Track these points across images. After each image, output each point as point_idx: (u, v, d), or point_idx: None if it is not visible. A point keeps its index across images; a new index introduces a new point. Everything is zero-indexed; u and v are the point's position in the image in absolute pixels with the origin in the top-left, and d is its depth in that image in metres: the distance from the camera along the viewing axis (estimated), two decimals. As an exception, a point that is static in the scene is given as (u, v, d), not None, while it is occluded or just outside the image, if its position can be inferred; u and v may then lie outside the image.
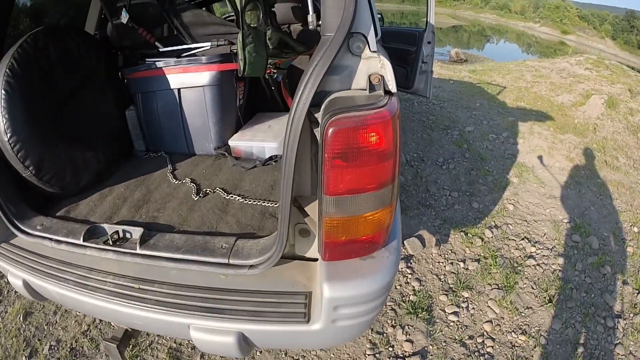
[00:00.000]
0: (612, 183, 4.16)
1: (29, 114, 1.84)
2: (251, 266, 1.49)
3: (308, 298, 1.40)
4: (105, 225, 1.78)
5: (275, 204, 1.85)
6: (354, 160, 1.05)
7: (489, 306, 2.73)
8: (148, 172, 2.31)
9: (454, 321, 2.62)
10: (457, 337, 2.53)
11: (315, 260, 1.55)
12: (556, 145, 4.59)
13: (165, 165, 2.36)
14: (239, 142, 2.41)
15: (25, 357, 2.70)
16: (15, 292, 3.25)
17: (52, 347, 2.72)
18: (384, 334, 2.50)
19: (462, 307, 2.71)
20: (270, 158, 2.29)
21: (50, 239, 1.78)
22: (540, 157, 4.37)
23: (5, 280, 3.39)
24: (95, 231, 1.78)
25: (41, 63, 1.98)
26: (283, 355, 2.42)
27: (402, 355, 2.40)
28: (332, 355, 2.39)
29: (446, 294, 2.77)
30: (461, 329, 2.59)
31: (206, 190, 2.06)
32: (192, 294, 1.50)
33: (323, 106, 1.15)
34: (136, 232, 1.70)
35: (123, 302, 1.53)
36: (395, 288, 2.82)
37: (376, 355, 2.39)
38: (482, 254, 3.10)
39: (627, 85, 6.11)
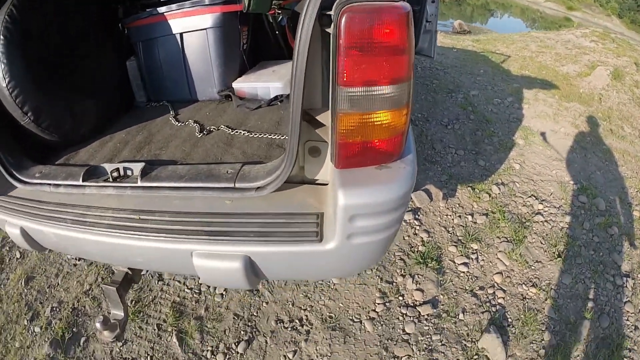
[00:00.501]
0: (618, 151, 4.11)
1: (27, 61, 1.76)
2: (258, 188, 1.39)
3: (320, 218, 1.29)
4: (105, 165, 1.68)
5: (283, 136, 1.74)
6: (368, 50, 1.00)
7: (498, 258, 2.67)
8: (150, 119, 2.22)
9: (464, 272, 2.56)
10: (467, 288, 2.48)
11: (326, 184, 1.45)
12: (561, 112, 4.52)
13: (168, 112, 2.28)
14: (243, 84, 2.31)
15: (27, 320, 2.63)
16: (17, 258, 3.17)
17: (54, 308, 2.64)
18: (394, 283, 2.43)
19: (472, 259, 2.65)
20: (276, 98, 2.18)
21: (49, 184, 1.68)
22: (545, 122, 4.30)
23: (7, 248, 3.36)
24: (94, 171, 1.69)
25: (41, 11, 1.91)
26: (290, 306, 2.34)
27: (412, 304, 2.34)
28: (340, 304, 2.32)
29: (455, 246, 2.70)
30: (471, 279, 2.53)
31: (210, 128, 1.96)
32: (194, 220, 1.39)
33: (335, 4, 1.06)
34: (137, 168, 1.60)
35: (122, 234, 1.43)
36: (404, 239, 2.74)
37: (386, 304, 2.33)
38: (489, 209, 3.04)
39: (632, 58, 6.04)
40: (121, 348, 2.32)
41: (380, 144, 1.14)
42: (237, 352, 2.17)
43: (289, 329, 2.24)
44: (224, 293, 2.42)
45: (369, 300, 2.33)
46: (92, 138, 2.06)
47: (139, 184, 1.54)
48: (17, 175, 1.73)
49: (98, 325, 1.73)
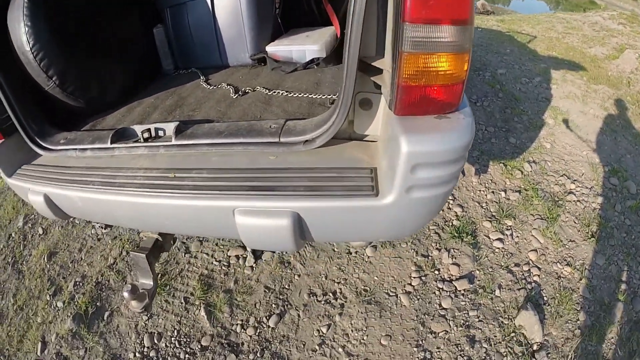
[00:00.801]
0: (648, 135, 3.98)
1: (52, 25, 1.69)
2: (306, 141, 1.31)
3: (374, 173, 1.22)
4: (135, 127, 1.61)
5: (324, 96, 1.65)
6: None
7: (533, 235, 2.58)
8: (179, 84, 2.15)
9: (499, 248, 2.48)
10: (503, 264, 2.39)
11: (374, 141, 1.38)
12: (590, 94, 4.39)
13: (197, 77, 2.20)
14: (277, 47, 2.22)
15: (50, 295, 2.59)
16: (40, 234, 3.13)
17: (77, 283, 2.60)
18: (429, 257, 2.35)
19: (507, 235, 2.56)
20: (312, 61, 2.09)
21: (75, 149, 1.63)
22: (574, 103, 4.18)
23: (29, 225, 3.32)
24: (123, 134, 1.61)
25: None
26: (323, 279, 2.27)
27: (449, 279, 2.26)
28: (375, 278, 2.26)
29: (489, 221, 2.62)
30: (506, 256, 2.45)
31: (245, 90, 1.87)
32: (237, 175, 1.31)
33: None
34: (170, 127, 1.52)
35: (155, 193, 1.35)
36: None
37: (422, 277, 2.25)
38: (522, 186, 2.95)
39: (663, 42, 5.86)
40: (146, 322, 2.27)
41: (441, 91, 1.08)
42: (269, 326, 2.11)
43: (322, 302, 2.17)
44: (253, 266, 2.36)
45: (404, 274, 2.25)
46: (119, 104, 2.00)
47: (173, 142, 1.47)
48: (41, 142, 1.68)
49: (126, 294, 1.66)
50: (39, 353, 2.34)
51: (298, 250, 1.64)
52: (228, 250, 2.45)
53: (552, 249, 2.54)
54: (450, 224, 2.57)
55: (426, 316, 2.11)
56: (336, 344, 2.03)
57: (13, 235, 3.22)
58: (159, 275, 2.39)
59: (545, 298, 2.28)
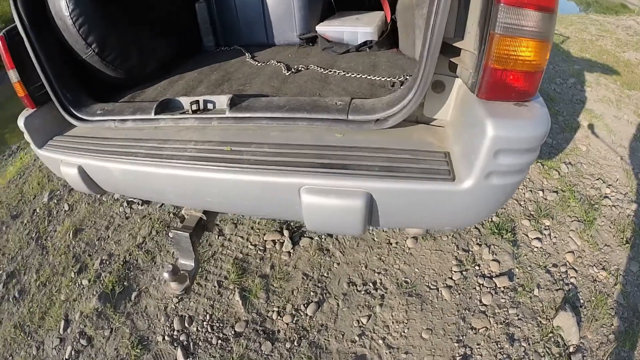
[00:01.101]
0: (683, 144, 3.91)
1: None
2: (378, 120, 1.26)
3: (447, 157, 1.17)
4: (181, 99, 1.55)
5: (384, 78, 1.59)
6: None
7: (570, 237, 2.53)
8: (222, 60, 2.10)
9: (537, 247, 2.43)
10: (541, 263, 2.35)
11: (441, 126, 1.34)
12: (623, 99, 4.31)
13: (242, 54, 2.15)
14: (328, 28, 2.17)
15: (74, 272, 2.55)
16: (65, 210, 3.09)
17: (104, 261, 2.56)
18: (470, 252, 2.30)
19: (545, 235, 2.51)
20: (365, 43, 2.04)
21: (113, 120, 1.58)
22: (608, 107, 4.11)
23: (55, 201, 3.28)
24: (168, 105, 1.55)
25: None
26: (363, 268, 2.23)
27: (489, 275, 2.22)
28: (416, 270, 2.21)
29: (528, 219, 2.57)
30: (545, 255, 2.40)
31: (298, 68, 1.82)
32: (304, 152, 1.25)
33: None
34: (222, 100, 1.47)
35: (209, 166, 1.27)
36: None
37: (463, 272, 2.21)
38: (559, 187, 2.89)
39: (698, 51, 5.75)
40: (177, 305, 2.23)
41: (523, 78, 1.06)
42: (306, 314, 2.07)
43: (362, 292, 2.13)
44: (291, 251, 2.32)
45: (445, 267, 2.21)
46: (158, 78, 1.95)
47: (228, 114, 1.40)
48: (76, 113, 1.63)
49: (166, 275, 1.61)
50: (61, 331, 2.31)
51: (362, 234, 1.59)
52: (264, 235, 2.41)
53: (588, 252, 2.49)
54: (490, 219, 2.52)
55: (467, 311, 2.07)
56: (376, 335, 1.98)
57: (37, 210, 3.19)
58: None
59: (581, 301, 2.24)
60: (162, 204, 2.81)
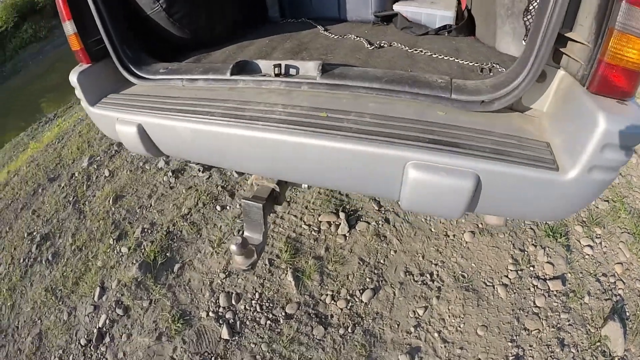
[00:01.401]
0: None
1: None
2: (483, 102, 1.21)
3: (549, 147, 1.14)
4: (260, 62, 1.45)
5: (471, 63, 1.51)
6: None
7: (619, 248, 2.51)
8: (293, 31, 2.00)
9: (588, 254, 2.40)
10: (592, 271, 2.32)
11: (535, 116, 1.29)
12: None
13: (312, 27, 2.05)
14: (407, 8, 2.06)
15: (113, 239, 2.44)
16: (106, 176, 2.95)
17: (145, 230, 2.44)
18: (525, 252, 2.27)
19: (596, 243, 2.48)
20: (444, 27, 1.94)
21: (181, 79, 1.49)
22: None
23: (95, 166, 3.12)
24: (245, 67, 1.45)
25: None
26: (420, 258, 2.16)
27: (543, 277, 2.18)
28: (473, 265, 2.17)
29: (581, 226, 2.54)
30: (595, 264, 2.37)
31: (380, 44, 1.71)
32: (408, 125, 1.18)
33: None
34: (308, 67, 1.37)
35: (306, 130, 1.19)
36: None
37: (518, 272, 2.17)
38: (610, 197, 2.86)
39: None
40: (223, 280, 2.15)
41: (629, 77, 1.06)
42: (361, 301, 2.01)
43: (419, 282, 2.07)
44: (347, 235, 2.24)
45: (501, 265, 2.16)
46: (226, 42, 1.84)
47: (320, 80, 1.31)
48: (135, 70, 1.55)
49: (234, 248, 1.52)
50: (95, 299, 2.21)
51: (459, 218, 1.51)
52: (319, 215, 2.32)
53: (636, 265, 2.47)
54: (544, 223, 2.48)
55: (521, 312, 2.04)
56: (432, 328, 1.94)
57: (76, 174, 3.08)
58: (240, 232, 2.25)
59: (627, 313, 2.22)
60: (210, 176, 2.70)
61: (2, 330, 2.24)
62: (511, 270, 2.16)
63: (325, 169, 1.29)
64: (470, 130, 1.17)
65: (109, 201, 2.68)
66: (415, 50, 1.64)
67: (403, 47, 1.68)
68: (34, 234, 2.65)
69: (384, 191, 1.31)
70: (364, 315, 1.97)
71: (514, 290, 2.10)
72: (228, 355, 1.89)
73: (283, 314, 1.98)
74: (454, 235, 2.25)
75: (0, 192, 3.25)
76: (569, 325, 2.05)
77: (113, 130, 1.53)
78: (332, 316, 1.97)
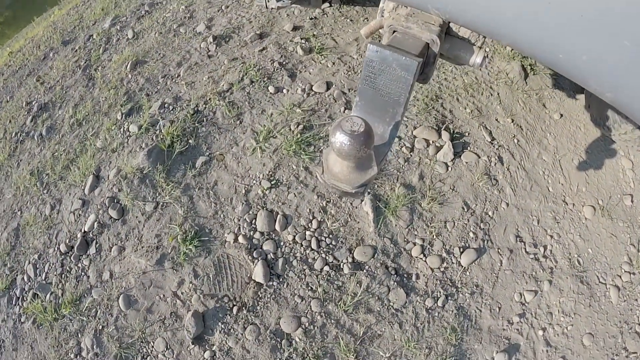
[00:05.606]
0: None
1: None
2: None
3: None
4: None
5: None
6: None
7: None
8: None
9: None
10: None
11: None
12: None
13: None
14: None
15: (122, 114, 1.61)
16: (128, 38, 2.20)
17: (166, 105, 1.58)
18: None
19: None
20: None
21: None
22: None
23: (118, 27, 2.33)
24: None
25: None
26: (535, 223, 1.55)
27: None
28: (589, 250, 1.66)
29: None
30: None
31: None
32: None
33: None
34: None
35: None
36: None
37: (631, 274, 1.74)
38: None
39: None
40: (266, 192, 1.36)
41: None
42: (459, 263, 1.35)
43: (531, 256, 1.48)
44: (449, 164, 1.51)
45: (617, 260, 1.65)
46: None
47: None
48: None
49: (343, 138, 0.78)
50: (86, 191, 1.42)
51: None
52: (414, 129, 1.54)
53: None
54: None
55: (625, 325, 1.57)
56: (537, 323, 1.40)
57: (94, 36, 2.30)
58: (299, 136, 1.43)
59: None
60: (265, 48, 1.84)
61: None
62: (625, 271, 1.65)
63: None
64: None
65: (127, 66, 1.78)
66: None
67: None
68: (33, 103, 1.84)
69: None
70: (459, 286, 1.32)
71: (624, 297, 1.61)
72: (258, 308, 1.14)
73: (350, 260, 1.26)
74: (573, 205, 1.65)
75: (12, 59, 2.81)
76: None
77: None
78: (418, 277, 1.29)
